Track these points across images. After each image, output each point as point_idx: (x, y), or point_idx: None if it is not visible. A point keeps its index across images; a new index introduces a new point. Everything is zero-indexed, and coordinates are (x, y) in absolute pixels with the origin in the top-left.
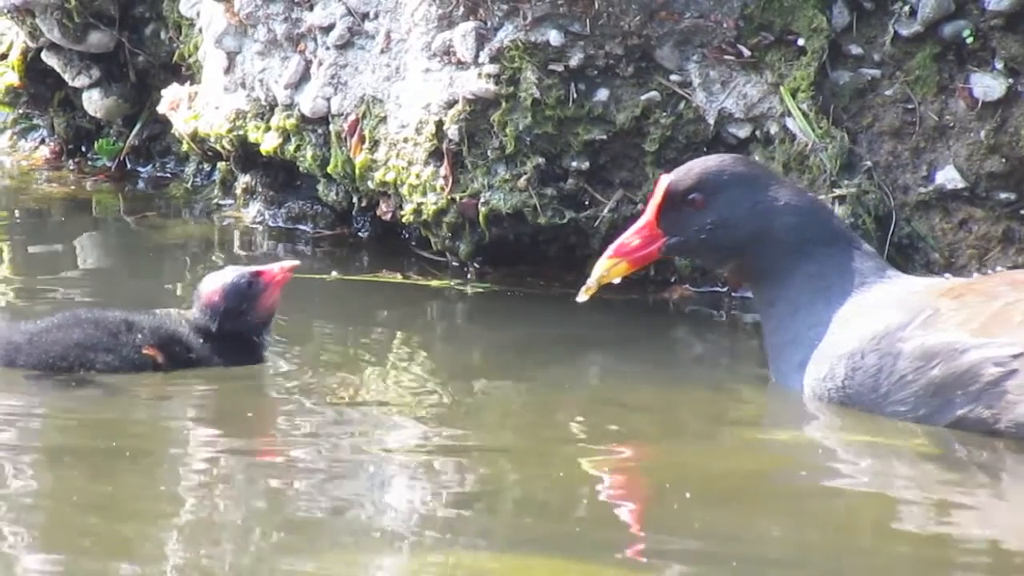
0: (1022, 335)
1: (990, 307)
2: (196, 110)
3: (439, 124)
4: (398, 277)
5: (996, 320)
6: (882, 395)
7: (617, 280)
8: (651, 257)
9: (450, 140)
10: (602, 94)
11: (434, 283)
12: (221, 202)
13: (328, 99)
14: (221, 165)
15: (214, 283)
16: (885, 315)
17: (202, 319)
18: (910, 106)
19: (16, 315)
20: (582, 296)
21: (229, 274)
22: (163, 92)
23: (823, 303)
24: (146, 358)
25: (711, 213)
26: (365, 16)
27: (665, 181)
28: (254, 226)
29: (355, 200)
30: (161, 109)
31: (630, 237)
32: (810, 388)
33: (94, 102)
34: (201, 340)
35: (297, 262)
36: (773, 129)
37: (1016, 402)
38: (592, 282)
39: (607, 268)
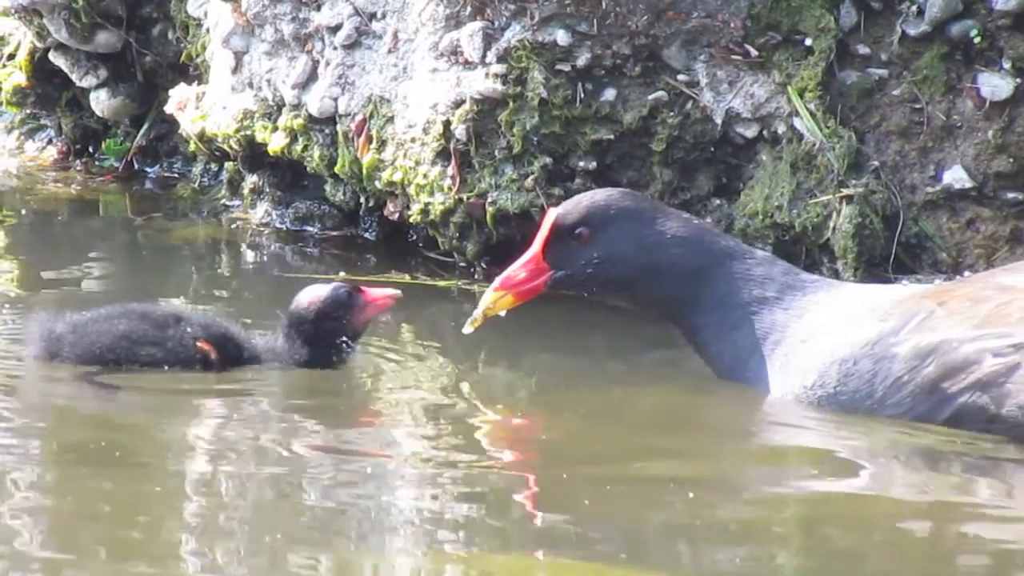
0: (1021, 328)
1: (982, 309)
2: (203, 110)
3: (446, 124)
4: (406, 278)
5: (992, 319)
6: (877, 400)
7: (503, 313)
8: (537, 290)
9: (457, 140)
10: (609, 94)
11: (441, 283)
12: (228, 202)
13: (335, 99)
14: (228, 165)
15: (318, 291)
16: (874, 322)
17: (297, 317)
18: (917, 106)
19: (25, 315)
20: (468, 328)
21: (331, 286)
22: (170, 92)
23: (755, 313)
24: (195, 353)
25: (597, 247)
26: (372, 16)
27: (552, 215)
28: (261, 227)
29: (362, 200)
30: (168, 109)
31: (516, 270)
32: (794, 396)
33: (101, 102)
34: (285, 338)
35: (399, 293)
36: (780, 129)
37: (1017, 391)
38: (478, 314)
39: (493, 300)
